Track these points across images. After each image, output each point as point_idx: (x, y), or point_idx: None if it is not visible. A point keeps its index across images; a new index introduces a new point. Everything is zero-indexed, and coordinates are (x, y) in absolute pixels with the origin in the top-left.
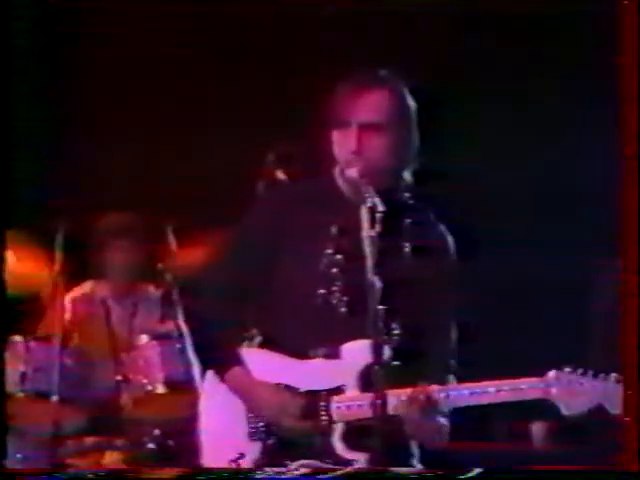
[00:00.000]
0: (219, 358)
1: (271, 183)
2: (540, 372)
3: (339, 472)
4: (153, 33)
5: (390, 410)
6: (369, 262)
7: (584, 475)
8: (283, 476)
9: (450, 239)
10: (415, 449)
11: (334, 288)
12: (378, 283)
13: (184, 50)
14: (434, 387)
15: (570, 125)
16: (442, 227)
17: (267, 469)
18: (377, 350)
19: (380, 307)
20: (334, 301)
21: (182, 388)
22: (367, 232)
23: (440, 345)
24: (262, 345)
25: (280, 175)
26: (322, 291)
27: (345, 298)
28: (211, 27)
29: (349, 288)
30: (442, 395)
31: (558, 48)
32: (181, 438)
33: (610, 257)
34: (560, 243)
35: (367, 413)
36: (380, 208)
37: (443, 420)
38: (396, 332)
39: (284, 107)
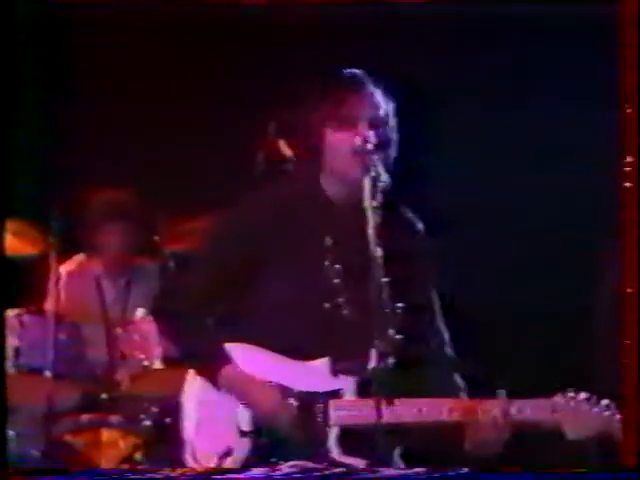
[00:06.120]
0: (204, 356)
1: (272, 155)
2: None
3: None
4: (154, 33)
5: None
6: (371, 233)
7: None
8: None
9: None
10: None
11: (339, 299)
12: (380, 254)
13: (184, 38)
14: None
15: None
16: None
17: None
18: (379, 356)
19: (384, 279)
20: (338, 312)
21: (179, 364)
22: (369, 202)
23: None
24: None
25: (282, 146)
26: (327, 305)
27: (348, 307)
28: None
29: (352, 297)
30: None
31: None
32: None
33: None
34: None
35: (371, 418)
36: (383, 178)
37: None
38: (400, 305)
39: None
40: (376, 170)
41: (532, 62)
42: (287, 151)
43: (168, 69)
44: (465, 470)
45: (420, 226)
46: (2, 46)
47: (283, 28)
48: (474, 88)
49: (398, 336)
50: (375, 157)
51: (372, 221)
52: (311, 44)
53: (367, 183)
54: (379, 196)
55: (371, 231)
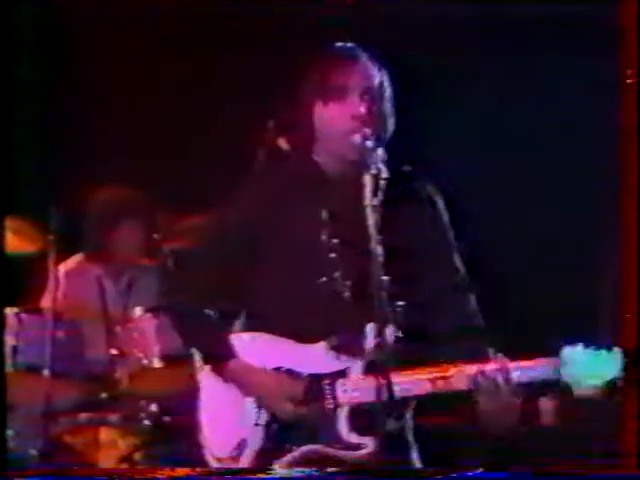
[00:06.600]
0: (208, 348)
1: (272, 152)
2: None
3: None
4: (154, 32)
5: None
6: (372, 231)
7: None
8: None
9: (442, 207)
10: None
11: (335, 274)
12: (381, 252)
13: (184, 38)
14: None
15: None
16: (436, 195)
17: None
18: (382, 331)
19: (384, 277)
20: (336, 287)
21: (179, 362)
22: (370, 200)
23: (451, 315)
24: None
25: (282, 143)
26: (324, 279)
27: (347, 282)
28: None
29: (350, 272)
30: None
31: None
32: (177, 414)
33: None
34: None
35: (380, 395)
36: (384, 175)
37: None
38: (400, 303)
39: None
40: (377, 167)
41: (531, 62)
42: (284, 145)
43: (168, 69)
44: (480, 470)
45: (431, 190)
46: (2, 47)
47: (283, 26)
48: (473, 88)
49: (400, 307)
50: (375, 153)
51: (373, 218)
52: (311, 43)
53: (368, 181)
54: (380, 193)
55: (372, 230)
